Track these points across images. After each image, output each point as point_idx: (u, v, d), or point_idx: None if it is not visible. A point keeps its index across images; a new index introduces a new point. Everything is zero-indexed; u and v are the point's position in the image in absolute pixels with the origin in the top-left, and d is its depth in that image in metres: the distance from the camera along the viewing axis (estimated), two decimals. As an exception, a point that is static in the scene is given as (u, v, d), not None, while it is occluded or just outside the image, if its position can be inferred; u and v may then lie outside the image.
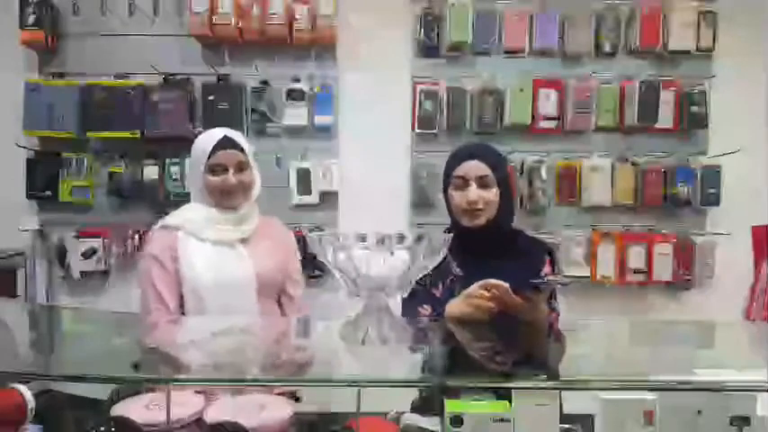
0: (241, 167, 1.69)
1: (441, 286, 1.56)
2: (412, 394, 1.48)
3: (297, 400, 1.32)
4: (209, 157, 1.66)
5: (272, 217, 1.86)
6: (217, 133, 1.70)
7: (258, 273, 1.68)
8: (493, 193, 1.55)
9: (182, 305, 1.64)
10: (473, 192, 1.53)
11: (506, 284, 1.33)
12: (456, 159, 1.60)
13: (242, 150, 1.70)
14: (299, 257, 1.89)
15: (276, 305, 1.79)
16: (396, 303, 1.24)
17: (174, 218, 1.71)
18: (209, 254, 1.65)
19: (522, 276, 1.38)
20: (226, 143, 1.68)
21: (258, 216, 1.77)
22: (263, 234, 1.75)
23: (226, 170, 1.67)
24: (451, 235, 1.23)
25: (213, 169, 1.67)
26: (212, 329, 1.47)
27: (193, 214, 1.70)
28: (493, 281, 1.34)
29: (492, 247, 1.54)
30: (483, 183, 1.54)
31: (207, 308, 1.62)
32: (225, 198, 1.68)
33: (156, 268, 1.64)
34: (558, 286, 1.61)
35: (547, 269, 1.60)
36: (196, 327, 1.60)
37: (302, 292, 1.86)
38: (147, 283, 1.64)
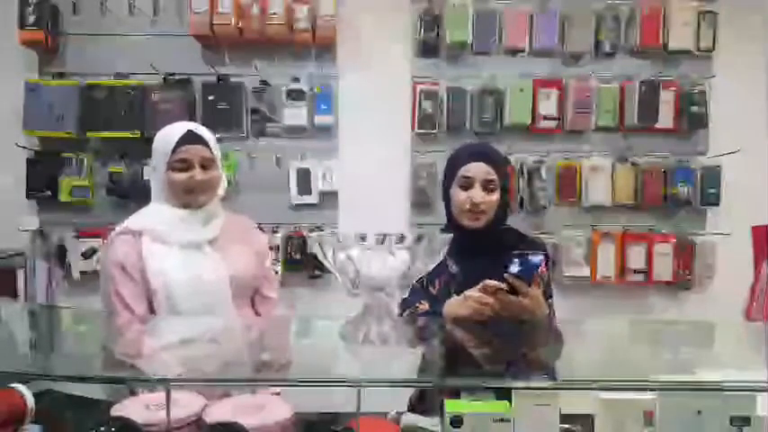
0: (206, 164, 1.58)
1: (437, 284, 1.56)
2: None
3: None
4: (172, 153, 1.55)
5: (240, 215, 1.77)
6: (180, 127, 1.58)
7: (232, 275, 1.60)
8: (495, 197, 1.56)
9: (152, 311, 1.55)
10: (478, 194, 1.53)
11: (504, 286, 1.33)
12: (463, 158, 1.59)
13: (207, 146, 1.60)
14: (271, 256, 1.80)
15: (250, 306, 1.72)
16: (396, 303, 1.24)
17: (135, 221, 1.59)
18: (179, 258, 1.55)
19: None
20: (190, 138, 1.57)
21: (225, 215, 1.68)
22: (231, 233, 1.65)
23: (191, 167, 1.56)
24: (451, 236, 1.23)
25: (177, 165, 1.55)
26: (185, 335, 1.38)
27: (157, 217, 1.59)
28: (491, 282, 1.34)
29: (488, 245, 1.54)
30: (488, 186, 1.55)
31: (180, 312, 1.52)
32: (189, 196, 1.57)
33: (121, 276, 1.54)
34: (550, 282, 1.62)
35: (542, 268, 1.60)
36: (168, 332, 1.51)
37: (277, 295, 1.78)
38: (112, 292, 1.54)
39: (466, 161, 1.57)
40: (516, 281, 1.33)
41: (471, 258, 1.53)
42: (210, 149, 1.60)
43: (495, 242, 1.56)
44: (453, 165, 1.60)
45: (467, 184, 1.55)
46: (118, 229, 1.60)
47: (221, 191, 1.66)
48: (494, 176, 1.55)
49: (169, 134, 1.58)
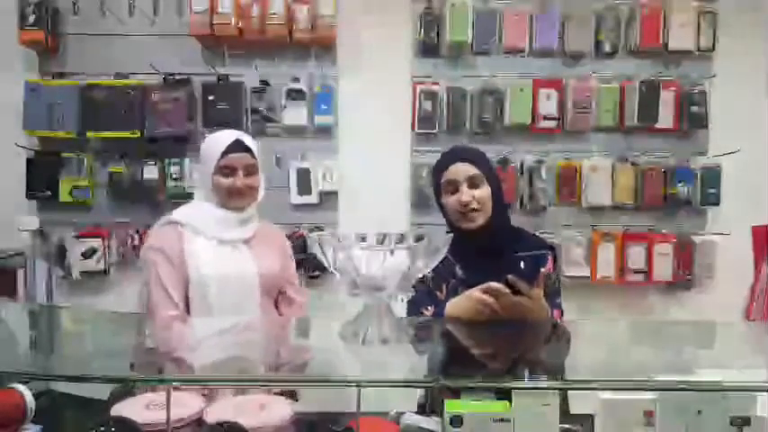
0: (250, 171, 1.72)
1: (444, 288, 1.56)
2: (412, 394, 1.49)
3: (296, 399, 1.33)
4: (220, 159, 1.69)
5: (267, 221, 1.90)
6: (229, 136, 1.72)
7: (261, 273, 1.72)
8: (485, 192, 1.56)
9: (186, 301, 1.67)
10: (465, 193, 1.54)
11: (508, 290, 1.33)
12: (442, 165, 1.61)
13: (252, 154, 1.73)
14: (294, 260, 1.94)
15: (274, 307, 1.83)
16: (395, 303, 1.24)
17: (180, 214, 1.73)
18: (215, 252, 1.68)
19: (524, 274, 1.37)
20: (238, 146, 1.71)
21: (259, 221, 1.81)
22: (263, 237, 1.79)
23: (235, 172, 1.70)
24: (452, 235, 1.24)
25: (223, 171, 1.69)
26: (219, 328, 1.49)
27: (200, 212, 1.73)
28: (494, 284, 1.34)
29: (493, 247, 1.54)
30: (473, 182, 1.56)
31: (211, 305, 1.65)
32: (233, 199, 1.71)
33: (164, 263, 1.66)
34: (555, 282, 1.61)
35: (549, 267, 1.60)
36: (203, 325, 1.62)
37: (302, 298, 1.90)
38: (154, 278, 1.66)
39: (445, 167, 1.59)
40: (519, 281, 1.33)
41: (478, 262, 1.52)
42: (254, 157, 1.73)
43: (500, 243, 1.55)
44: (437, 174, 1.63)
45: (453, 188, 1.57)
46: (161, 220, 1.74)
47: (260, 196, 1.79)
48: (476, 172, 1.56)
49: (218, 141, 1.72)
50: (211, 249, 1.68)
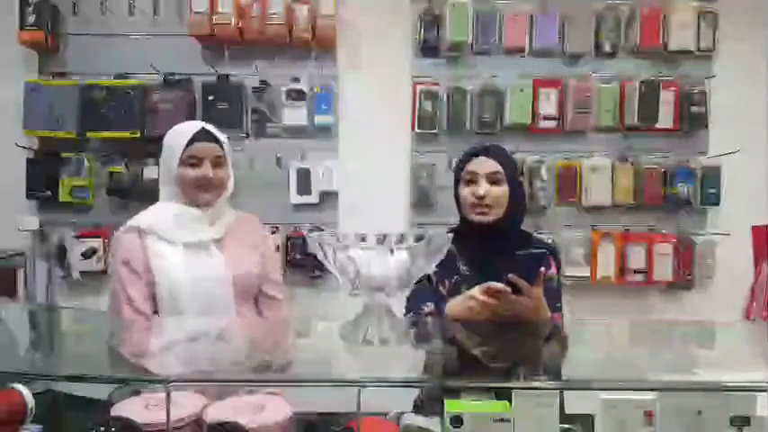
0: (218, 162, 1.62)
1: (447, 284, 1.56)
2: (412, 394, 1.49)
3: None
4: (185, 149, 1.59)
5: (249, 214, 1.79)
6: (194, 125, 1.64)
7: (235, 274, 1.62)
8: (502, 191, 1.55)
9: (156, 308, 1.58)
10: (482, 186, 1.54)
11: (508, 288, 1.33)
12: (467, 156, 1.61)
13: (220, 145, 1.64)
14: (278, 257, 1.82)
15: (254, 306, 1.73)
16: (395, 303, 1.24)
17: (141, 219, 1.62)
18: (183, 257, 1.57)
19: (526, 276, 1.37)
20: (204, 135, 1.61)
21: (233, 214, 1.71)
22: (237, 233, 1.68)
23: (202, 163, 1.60)
24: (452, 235, 1.24)
25: (189, 161, 1.59)
26: (188, 334, 1.41)
27: (163, 214, 1.62)
28: (495, 284, 1.34)
29: (499, 246, 1.53)
30: (493, 179, 1.55)
31: (183, 311, 1.55)
32: (199, 192, 1.60)
33: (128, 274, 1.57)
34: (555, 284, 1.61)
35: (552, 270, 1.60)
36: (172, 330, 1.55)
37: (284, 296, 1.79)
38: (120, 289, 1.57)
39: (469, 158, 1.59)
40: (519, 281, 1.33)
41: (482, 259, 1.52)
42: (222, 148, 1.64)
43: (505, 244, 1.55)
44: (459, 165, 1.62)
45: (471, 180, 1.57)
46: (125, 226, 1.63)
47: (229, 190, 1.68)
48: (498, 169, 1.56)
49: (183, 131, 1.62)
50: (178, 254, 1.57)
